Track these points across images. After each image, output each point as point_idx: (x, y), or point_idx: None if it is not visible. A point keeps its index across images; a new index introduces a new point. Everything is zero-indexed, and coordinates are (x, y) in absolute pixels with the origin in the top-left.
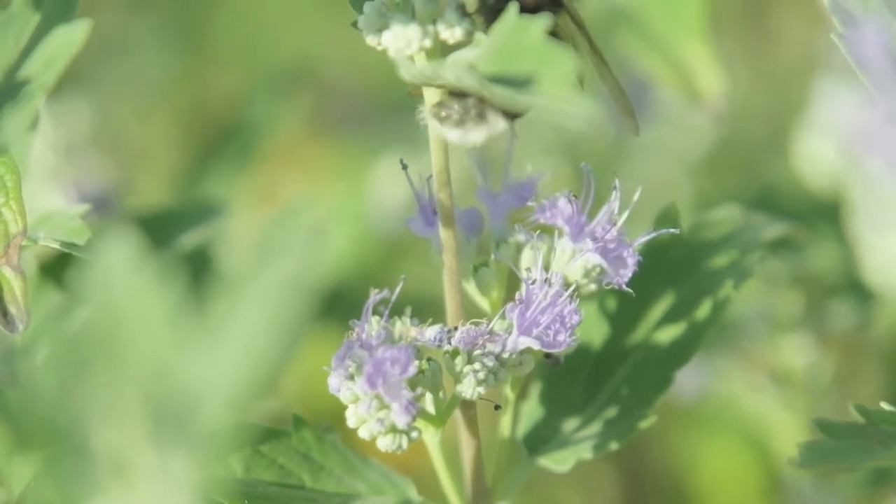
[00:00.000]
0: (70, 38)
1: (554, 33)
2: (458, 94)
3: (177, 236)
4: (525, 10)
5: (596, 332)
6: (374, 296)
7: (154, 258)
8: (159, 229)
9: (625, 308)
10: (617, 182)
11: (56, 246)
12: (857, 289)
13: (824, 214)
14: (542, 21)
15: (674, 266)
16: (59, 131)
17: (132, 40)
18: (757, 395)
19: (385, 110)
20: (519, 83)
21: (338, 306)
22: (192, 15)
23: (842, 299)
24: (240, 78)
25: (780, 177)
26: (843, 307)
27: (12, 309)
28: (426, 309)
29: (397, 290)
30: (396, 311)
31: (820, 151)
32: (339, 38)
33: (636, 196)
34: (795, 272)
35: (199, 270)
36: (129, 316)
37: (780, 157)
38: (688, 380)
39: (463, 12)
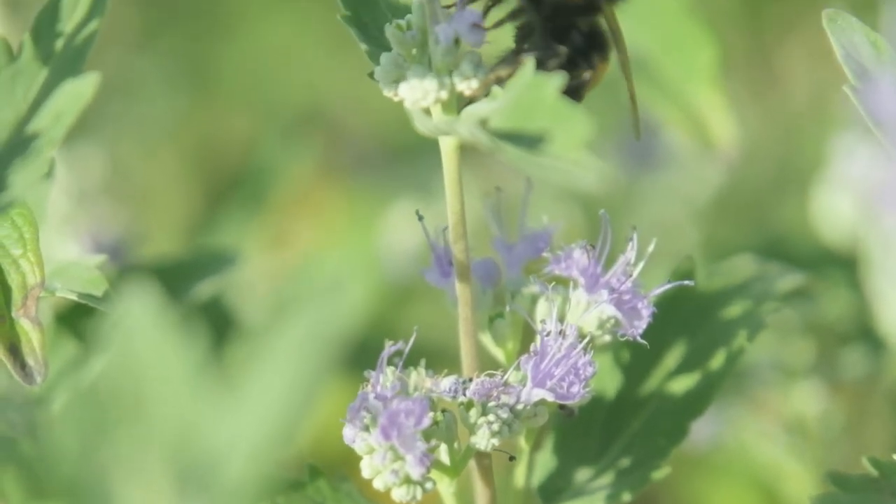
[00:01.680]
0: (79, 91)
1: (594, 29)
2: None
3: (191, 286)
4: (570, 10)
5: (610, 382)
6: (389, 347)
7: (174, 313)
8: (173, 279)
9: (639, 358)
10: (634, 234)
11: (73, 297)
12: (868, 337)
13: (835, 261)
14: (558, 78)
15: (688, 316)
16: (71, 177)
17: (139, 79)
18: (768, 443)
19: (395, 152)
20: (531, 142)
21: (349, 351)
22: (198, 53)
23: (853, 347)
24: (247, 115)
25: (790, 221)
26: (854, 355)
27: (30, 361)
28: (438, 355)
29: (411, 341)
30: (410, 360)
31: (836, 206)
32: (345, 77)
33: (651, 247)
34: (807, 320)
35: (214, 321)
36: (150, 372)
37: (790, 200)
38: (700, 427)
39: (479, 63)
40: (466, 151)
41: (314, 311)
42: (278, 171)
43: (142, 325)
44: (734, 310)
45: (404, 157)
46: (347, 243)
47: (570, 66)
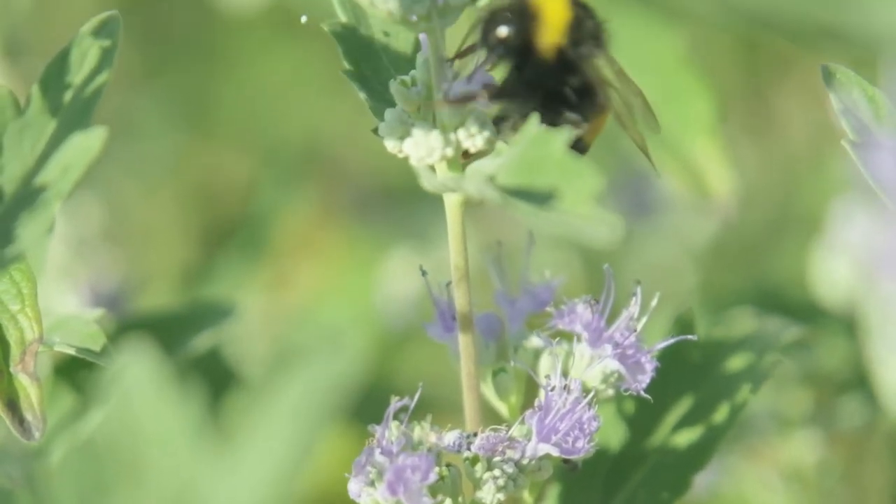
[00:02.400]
0: (86, 145)
1: (585, 84)
2: None
3: (188, 339)
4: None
5: (613, 434)
6: (395, 403)
7: (171, 369)
8: (170, 333)
9: (642, 411)
10: (638, 289)
11: (72, 352)
12: (865, 386)
13: (832, 309)
14: (564, 133)
15: (691, 369)
16: (70, 225)
17: (138, 118)
18: (766, 492)
19: (395, 193)
20: (540, 198)
21: (350, 404)
22: (197, 91)
23: (850, 396)
24: (246, 154)
25: (788, 265)
26: (851, 404)
27: (28, 416)
28: (440, 403)
29: (416, 396)
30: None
31: (834, 270)
32: (345, 116)
33: (654, 301)
34: (804, 369)
35: (212, 371)
36: (148, 429)
37: (788, 243)
38: (698, 475)
39: (484, 120)
40: (467, 202)
41: (313, 368)
42: (278, 214)
43: (139, 382)
44: (736, 363)
45: (404, 199)
46: (347, 287)
47: (562, 120)
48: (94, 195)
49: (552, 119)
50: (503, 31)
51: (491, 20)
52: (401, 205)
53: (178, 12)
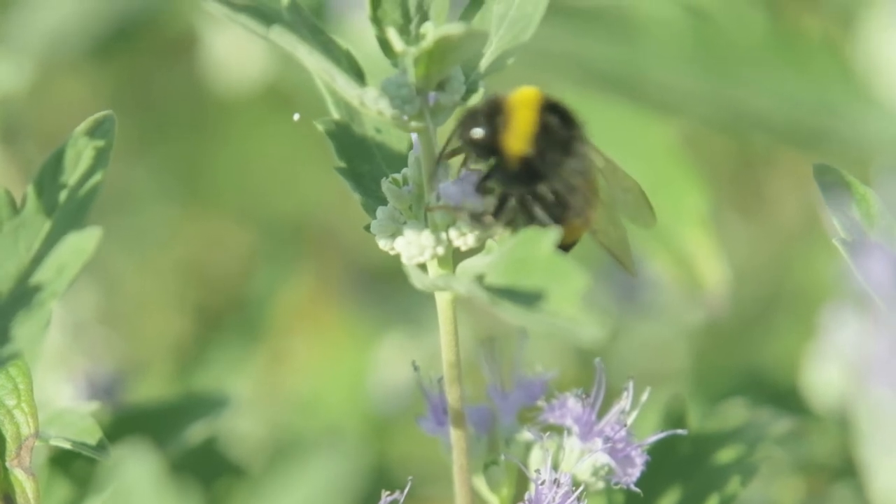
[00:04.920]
0: (81, 245)
1: (557, 191)
2: None
3: (183, 430)
4: (533, 167)
5: None
6: (385, 498)
7: (169, 469)
8: (165, 423)
9: (633, 502)
10: (630, 384)
11: (67, 446)
12: (857, 473)
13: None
14: (553, 233)
15: (681, 461)
16: (66, 309)
17: (133, 191)
18: None
19: (390, 269)
20: (527, 298)
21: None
22: (191, 164)
23: (843, 484)
24: (241, 226)
25: (779, 343)
26: (843, 491)
27: None
28: (432, 489)
29: (406, 489)
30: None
31: (827, 375)
32: (339, 188)
33: (645, 396)
34: (796, 456)
35: (207, 460)
36: None
37: (780, 318)
38: None
39: (475, 219)
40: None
41: (314, 469)
42: (274, 295)
43: (136, 479)
44: (727, 456)
45: (399, 277)
46: (342, 367)
47: (536, 222)
48: (89, 278)
49: (527, 220)
50: (475, 132)
51: (466, 120)
52: (396, 284)
53: (173, 86)
